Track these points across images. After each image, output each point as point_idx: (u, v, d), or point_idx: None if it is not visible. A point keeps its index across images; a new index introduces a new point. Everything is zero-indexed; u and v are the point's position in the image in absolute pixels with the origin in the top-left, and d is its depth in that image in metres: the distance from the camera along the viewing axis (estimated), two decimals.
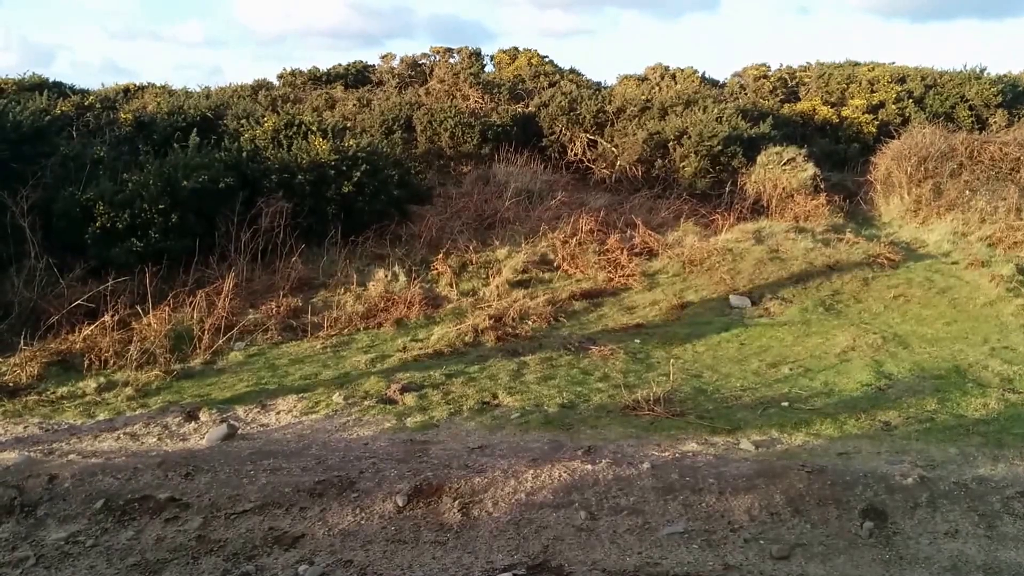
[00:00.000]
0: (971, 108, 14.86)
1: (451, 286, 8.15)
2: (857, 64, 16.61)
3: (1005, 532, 3.61)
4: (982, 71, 16.02)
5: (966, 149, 11.11)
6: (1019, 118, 14.56)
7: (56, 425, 5.22)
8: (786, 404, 5.39)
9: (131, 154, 8.71)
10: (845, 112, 14.55)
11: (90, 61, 56.41)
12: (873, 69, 15.96)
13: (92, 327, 6.42)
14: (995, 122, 14.44)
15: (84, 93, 12.44)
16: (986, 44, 58.52)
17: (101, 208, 7.50)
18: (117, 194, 7.62)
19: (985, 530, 3.63)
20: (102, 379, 5.93)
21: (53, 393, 5.73)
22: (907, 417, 5.10)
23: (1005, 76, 16.53)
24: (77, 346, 6.25)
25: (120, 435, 5.07)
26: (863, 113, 14.55)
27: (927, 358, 6.25)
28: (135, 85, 14.35)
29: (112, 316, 6.49)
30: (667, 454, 4.42)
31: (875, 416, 5.13)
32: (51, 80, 13.08)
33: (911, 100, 14.96)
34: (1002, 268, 8.17)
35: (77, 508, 3.91)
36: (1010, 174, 10.73)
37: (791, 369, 6.10)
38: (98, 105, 10.77)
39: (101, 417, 5.36)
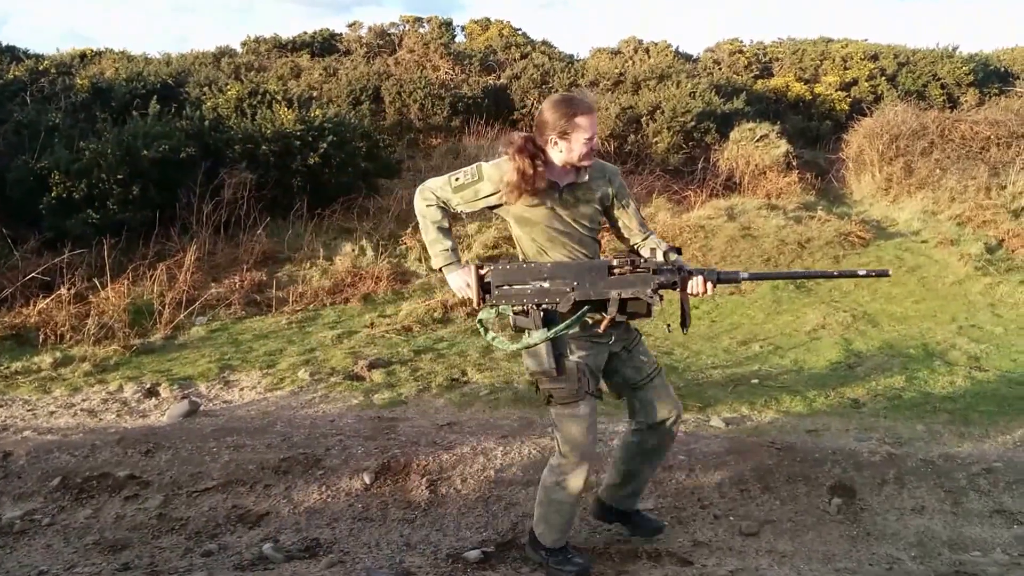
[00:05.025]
0: (943, 86, 14.96)
1: (420, 261, 8.03)
2: (831, 40, 16.64)
3: (970, 508, 3.64)
4: (954, 49, 16.13)
5: (937, 128, 11.17)
6: (990, 97, 14.69)
7: (10, 401, 5.07)
8: (756, 381, 5.40)
9: (88, 122, 8.42)
10: (818, 89, 14.57)
11: (48, 26, 54.81)
12: (847, 46, 15.99)
13: (47, 300, 6.23)
14: (966, 101, 14.55)
15: (39, 58, 12.01)
16: (959, 22, 59.19)
17: (57, 177, 7.25)
18: (74, 163, 7.37)
19: (951, 506, 3.65)
20: (58, 354, 5.76)
21: (7, 368, 5.56)
22: (875, 394, 5.14)
23: (977, 55, 16.67)
24: (32, 320, 6.06)
25: (77, 411, 4.93)
26: (836, 90, 14.58)
27: (896, 336, 6.30)
28: (92, 50, 13.87)
29: (68, 289, 6.30)
30: None
31: (844, 393, 5.16)
32: (3, 44, 12.61)
33: (884, 77, 15.02)
34: (971, 247, 8.24)
35: (33, 486, 3.78)
36: (980, 153, 10.81)
37: (761, 347, 6.11)
38: (53, 70, 10.39)
39: (57, 393, 5.22)
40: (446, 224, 2.93)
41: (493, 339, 2.92)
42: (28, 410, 4.94)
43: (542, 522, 3.02)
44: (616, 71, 13.04)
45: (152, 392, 5.25)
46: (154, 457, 3.98)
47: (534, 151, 2.81)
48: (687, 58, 16.47)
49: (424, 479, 3.79)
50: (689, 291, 2.82)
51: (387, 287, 7.33)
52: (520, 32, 16.56)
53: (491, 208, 2.92)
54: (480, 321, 2.95)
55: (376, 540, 3.36)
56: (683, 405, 4.86)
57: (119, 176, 7.38)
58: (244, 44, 15.45)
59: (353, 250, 7.94)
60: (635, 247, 3.04)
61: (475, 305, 2.89)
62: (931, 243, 8.67)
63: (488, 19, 16.93)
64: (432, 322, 6.55)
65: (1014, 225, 8.77)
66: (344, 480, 3.81)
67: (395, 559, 3.18)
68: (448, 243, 2.92)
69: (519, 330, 2.88)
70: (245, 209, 8.01)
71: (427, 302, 6.83)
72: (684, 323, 2.90)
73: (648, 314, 2.83)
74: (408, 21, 15.48)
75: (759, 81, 14.92)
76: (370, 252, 7.93)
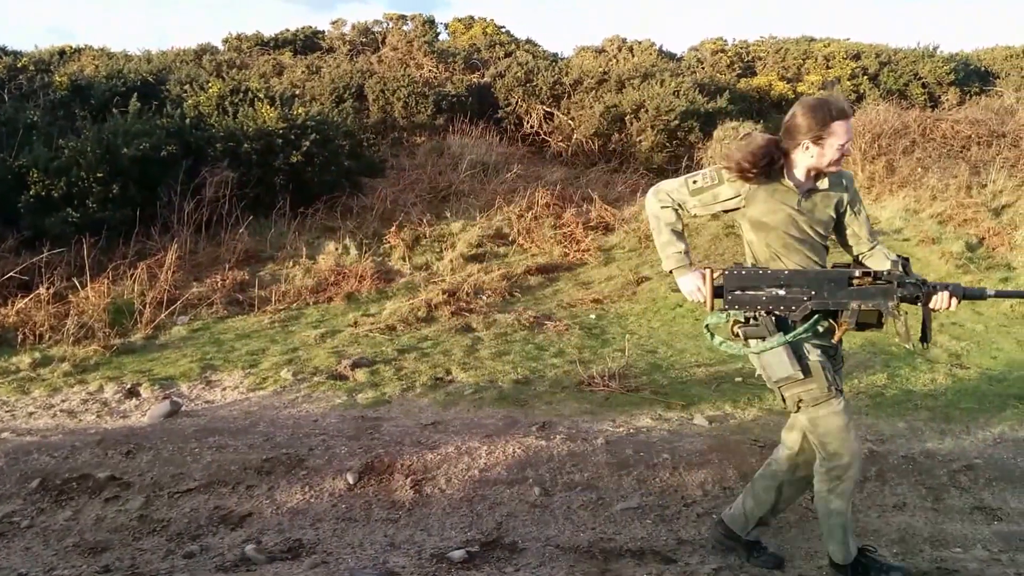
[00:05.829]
0: (924, 86, 15.07)
1: (404, 260, 8.01)
2: (813, 39, 16.73)
3: (951, 505, 3.67)
4: (935, 49, 16.26)
5: (919, 126, 11.25)
6: (971, 96, 14.82)
7: None
8: (739, 379, 5.41)
9: (67, 119, 8.33)
10: (801, 88, 14.65)
11: (28, 22, 54.13)
12: (829, 45, 16.09)
13: (26, 300, 6.15)
14: (947, 100, 14.67)
15: (17, 55, 11.86)
16: (940, 22, 59.69)
17: (35, 175, 7.17)
18: (52, 161, 7.29)
19: (932, 503, 3.68)
20: (37, 354, 5.68)
21: None
22: (858, 392, 5.16)
23: (957, 54, 16.80)
24: (10, 320, 5.98)
25: (57, 412, 4.87)
26: (819, 89, 14.65)
27: (878, 334, 6.31)
28: (72, 47, 13.72)
29: (47, 289, 6.23)
30: (621, 429, 4.40)
31: None
32: None
33: (866, 76, 15.11)
34: (952, 245, 8.30)
35: (11, 488, 3.73)
36: (961, 152, 10.89)
37: None
38: (31, 67, 10.27)
39: (36, 394, 5.15)
40: (679, 227, 2.90)
41: (721, 344, 2.89)
42: (7, 411, 4.87)
43: (831, 540, 2.92)
44: (600, 70, 13.04)
45: (133, 392, 5.19)
46: (135, 458, 3.94)
47: (776, 153, 2.80)
48: (671, 57, 16.51)
49: (408, 479, 3.77)
50: (932, 306, 2.78)
51: (371, 286, 7.29)
52: (504, 30, 16.54)
53: (727, 212, 2.90)
54: (707, 326, 2.92)
55: (360, 540, 3.34)
56: (667, 403, 4.92)
57: (99, 174, 7.30)
58: (226, 41, 15.33)
59: (336, 249, 7.89)
60: (859, 256, 2.97)
61: (707, 309, 2.85)
62: (913, 241, 8.73)
63: (472, 17, 16.91)
64: (416, 321, 6.52)
65: (994, 223, 8.84)
66: (327, 480, 3.78)
67: (379, 559, 3.16)
68: (682, 246, 2.89)
69: (745, 339, 2.82)
70: (227, 208, 7.95)
71: (411, 301, 6.80)
72: (925, 337, 2.85)
73: (879, 325, 2.80)
74: (392, 19, 15.42)
75: (742, 80, 14.98)
76: (353, 251, 7.90)
